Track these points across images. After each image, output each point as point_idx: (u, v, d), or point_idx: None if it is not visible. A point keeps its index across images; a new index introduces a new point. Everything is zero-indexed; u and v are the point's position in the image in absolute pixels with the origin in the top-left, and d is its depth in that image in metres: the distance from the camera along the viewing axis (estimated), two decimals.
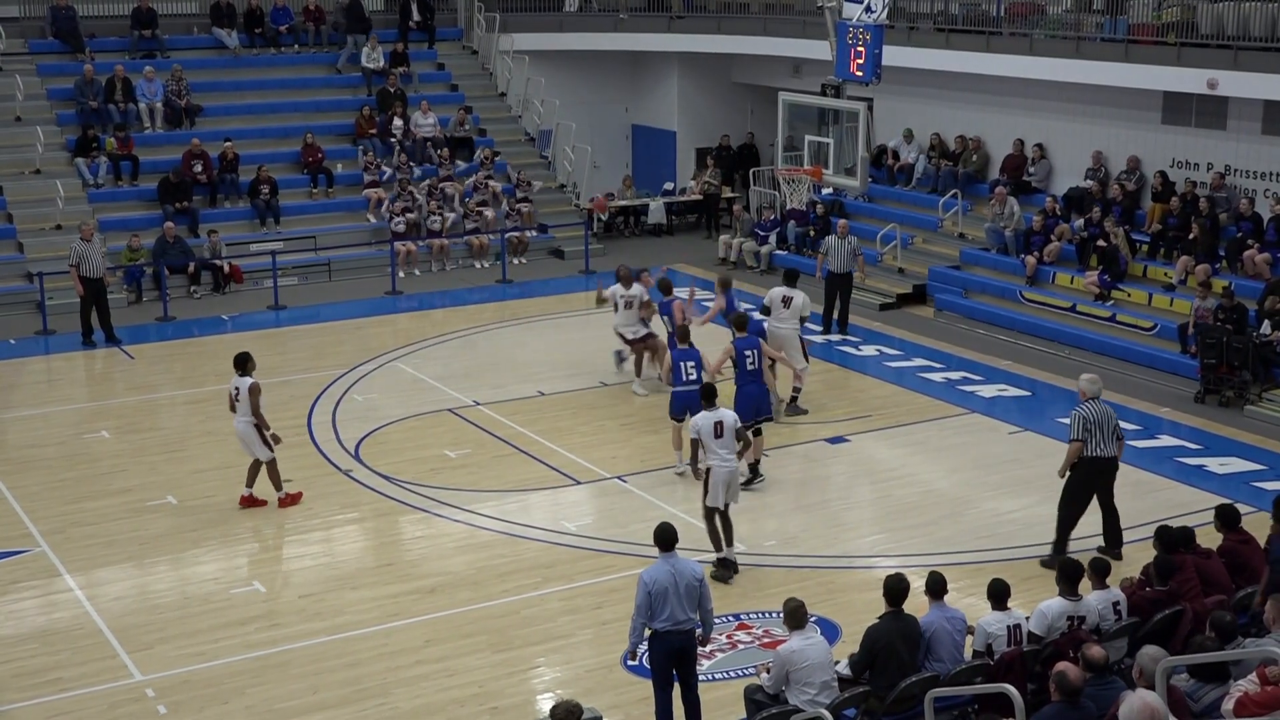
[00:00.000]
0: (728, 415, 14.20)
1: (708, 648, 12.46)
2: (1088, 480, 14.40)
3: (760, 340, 17.31)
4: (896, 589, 10.68)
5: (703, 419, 14.13)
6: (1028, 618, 10.91)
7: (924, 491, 16.77)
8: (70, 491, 16.74)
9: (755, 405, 16.33)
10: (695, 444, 14.16)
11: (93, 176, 27.20)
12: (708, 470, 14.01)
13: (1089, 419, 14.22)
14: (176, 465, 17.62)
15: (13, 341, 23.04)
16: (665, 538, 11.11)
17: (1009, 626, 10.78)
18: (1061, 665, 9.37)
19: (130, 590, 14.27)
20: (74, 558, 14.81)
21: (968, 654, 10.86)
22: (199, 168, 27.51)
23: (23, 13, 29.99)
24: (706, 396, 14.43)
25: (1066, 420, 18.81)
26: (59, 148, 27.69)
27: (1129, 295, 22.50)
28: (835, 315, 23.34)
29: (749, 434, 15.41)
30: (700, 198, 31.69)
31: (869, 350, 22.64)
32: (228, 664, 12.66)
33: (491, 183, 29.15)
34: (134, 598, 14.09)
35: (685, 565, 11.03)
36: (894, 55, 23.64)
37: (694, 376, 16.71)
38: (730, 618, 13.31)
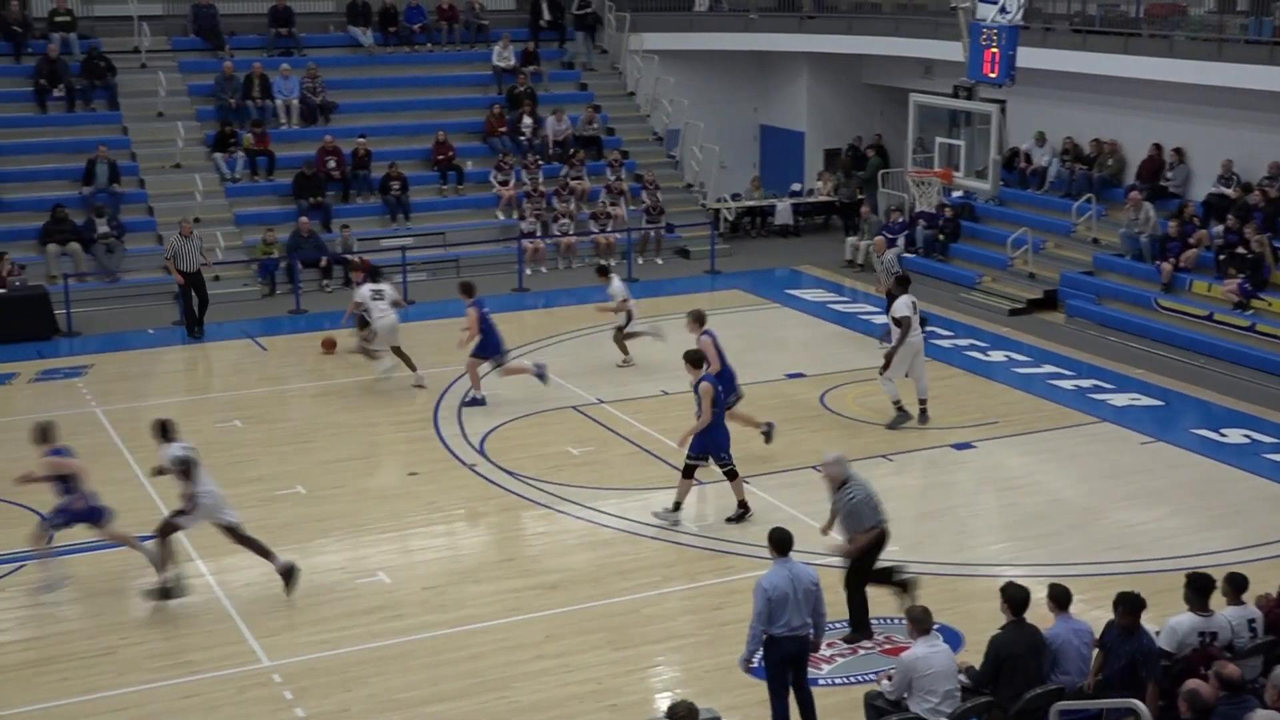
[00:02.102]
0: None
1: (827, 652, 12.41)
2: (873, 554, 12.88)
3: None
4: (1018, 597, 10.52)
5: (193, 451, 13.96)
6: (1158, 632, 10.68)
7: (1051, 500, 16.48)
8: None
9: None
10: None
11: (230, 171, 27.81)
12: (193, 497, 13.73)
13: (873, 499, 12.73)
14: (305, 456, 17.92)
15: (151, 331, 23.63)
16: (782, 542, 11.04)
17: None
18: (1194, 682, 9.15)
19: (259, 577, 14.51)
20: (206, 544, 15.09)
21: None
22: (332, 164, 27.98)
23: (166, 11, 30.76)
24: (162, 432, 14.17)
25: (1200, 431, 18.68)
26: (198, 143, 28.34)
27: (1270, 304, 21.90)
28: None
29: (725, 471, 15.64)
30: (832, 199, 31.53)
31: (997, 356, 22.32)
32: (351, 653, 12.85)
33: (619, 182, 29.25)
34: (262, 584, 14.34)
35: (803, 570, 10.97)
36: (1028, 57, 23.27)
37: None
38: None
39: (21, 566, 14.49)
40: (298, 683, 12.31)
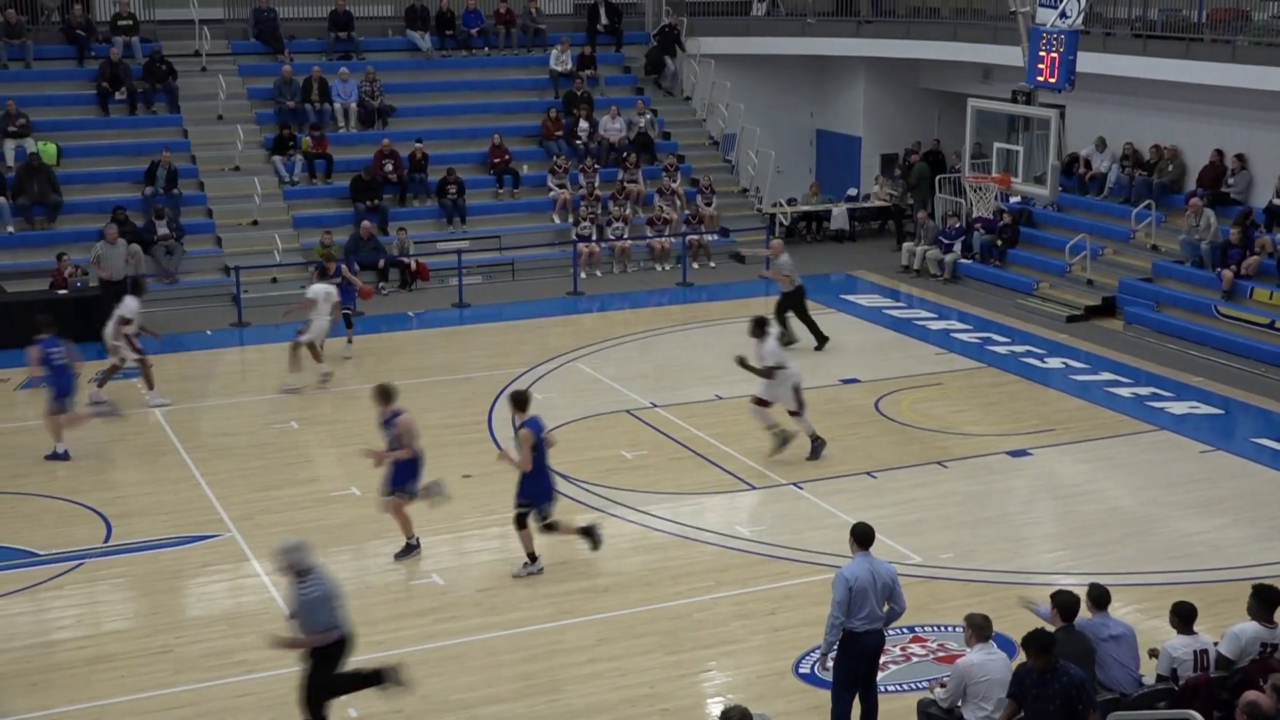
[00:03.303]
0: None
1: (881, 659, 12.34)
2: (334, 660, 11.16)
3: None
4: (1069, 603, 10.47)
5: None
6: (1216, 643, 10.55)
7: (1108, 509, 16.33)
8: (259, 480, 17.23)
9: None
10: None
11: (289, 174, 28.02)
12: None
13: (332, 599, 10.98)
14: (359, 457, 17.97)
15: (209, 333, 23.84)
16: (864, 536, 11.06)
17: (1195, 651, 10.43)
18: (1253, 694, 9.05)
19: None
20: (261, 544, 15.21)
21: (1148, 675, 10.56)
22: (390, 167, 28.15)
23: (227, 14, 31.04)
24: None
25: (1260, 440, 18.47)
26: (257, 146, 28.58)
27: None
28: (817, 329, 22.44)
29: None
30: (888, 205, 31.41)
31: (1055, 363, 22.15)
32: (405, 654, 12.84)
33: (674, 186, 29.26)
34: None
35: (882, 565, 11.01)
36: (1088, 61, 23.12)
37: None
38: (905, 630, 13.12)
39: (80, 565, 14.63)
40: None
